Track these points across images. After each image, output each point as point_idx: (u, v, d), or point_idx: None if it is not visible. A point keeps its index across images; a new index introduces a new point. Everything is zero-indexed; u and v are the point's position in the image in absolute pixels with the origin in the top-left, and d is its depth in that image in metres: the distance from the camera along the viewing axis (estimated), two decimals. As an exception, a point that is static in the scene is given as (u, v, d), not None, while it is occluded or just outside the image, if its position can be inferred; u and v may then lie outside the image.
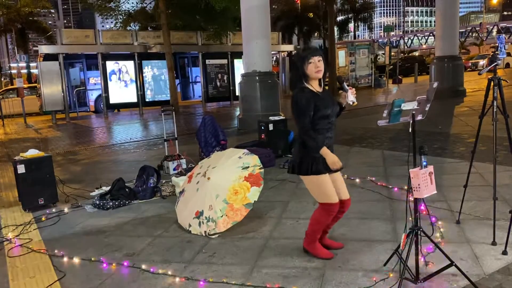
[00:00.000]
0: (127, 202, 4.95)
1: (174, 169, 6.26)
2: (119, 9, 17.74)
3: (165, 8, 16.23)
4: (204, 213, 3.85)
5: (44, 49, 16.87)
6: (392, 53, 26.21)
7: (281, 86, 17.73)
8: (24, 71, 37.81)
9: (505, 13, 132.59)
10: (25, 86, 20.29)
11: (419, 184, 2.61)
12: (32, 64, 35.21)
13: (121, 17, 17.99)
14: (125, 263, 3.33)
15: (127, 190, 5.09)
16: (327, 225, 3.18)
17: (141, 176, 5.37)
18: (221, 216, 3.75)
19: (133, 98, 18.08)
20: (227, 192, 3.84)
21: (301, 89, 2.93)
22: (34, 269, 3.37)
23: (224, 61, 20.38)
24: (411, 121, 2.73)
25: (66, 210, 4.87)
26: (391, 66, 24.97)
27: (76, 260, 3.47)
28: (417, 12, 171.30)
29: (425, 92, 2.78)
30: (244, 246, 3.52)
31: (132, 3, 19.34)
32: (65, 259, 3.51)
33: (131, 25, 19.66)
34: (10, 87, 23.24)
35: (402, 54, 41.87)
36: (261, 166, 4.04)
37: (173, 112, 7.03)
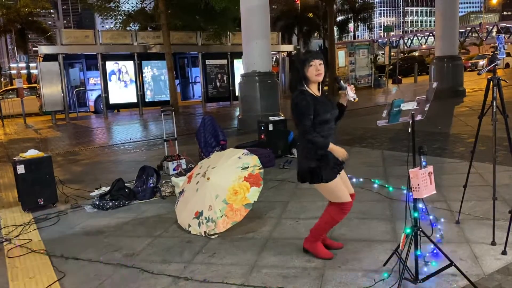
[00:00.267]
0: (126, 202, 4.95)
1: (173, 170, 6.26)
2: (119, 9, 17.74)
3: (165, 8, 16.23)
4: (203, 213, 3.85)
5: (44, 49, 16.87)
6: (392, 53, 26.23)
7: (281, 86, 17.72)
8: (24, 71, 37.83)
9: (504, 13, 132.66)
10: (25, 86, 20.28)
11: (418, 184, 2.61)
12: (32, 65, 35.22)
13: (121, 17, 17.99)
14: (125, 263, 3.33)
15: (126, 190, 5.09)
16: None
17: (140, 177, 5.37)
18: (221, 216, 3.75)
19: (133, 99, 18.08)
20: (227, 192, 3.84)
21: (301, 91, 2.92)
22: (34, 270, 3.37)
23: (224, 61, 20.38)
24: (410, 121, 2.73)
25: (65, 210, 4.87)
26: (391, 66, 24.97)
27: (75, 260, 3.47)
28: (416, 12, 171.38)
29: (425, 92, 2.78)
30: (244, 246, 3.52)
31: (132, 3, 19.33)
32: (65, 259, 3.51)
33: (131, 25, 19.66)
34: (10, 87, 23.24)
35: (401, 54, 41.88)
36: (261, 166, 4.04)
37: (173, 113, 7.03)
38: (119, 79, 17.97)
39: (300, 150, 3.06)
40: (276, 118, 7.27)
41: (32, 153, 5.07)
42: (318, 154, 2.92)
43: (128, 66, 18.03)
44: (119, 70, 17.94)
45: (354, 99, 2.95)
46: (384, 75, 24.09)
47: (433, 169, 2.68)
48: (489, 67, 3.14)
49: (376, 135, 8.22)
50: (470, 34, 62.34)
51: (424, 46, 68.30)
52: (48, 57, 16.29)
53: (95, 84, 18.53)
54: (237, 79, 15.63)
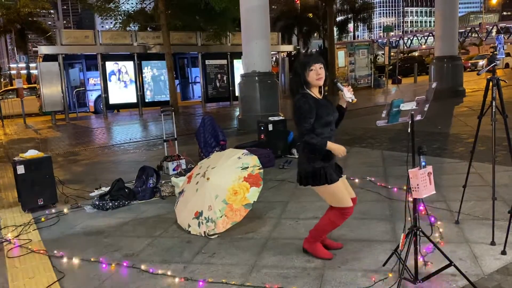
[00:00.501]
0: (126, 202, 4.95)
1: (173, 170, 6.26)
2: (119, 9, 17.74)
3: (165, 9, 16.23)
4: (203, 213, 3.85)
5: (44, 49, 16.88)
6: (392, 53, 26.25)
7: (281, 86, 17.73)
8: (23, 71, 37.83)
9: (504, 13, 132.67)
10: (25, 86, 20.30)
11: (418, 184, 2.61)
12: (31, 65, 35.20)
13: (121, 17, 17.99)
14: (125, 263, 3.33)
15: (126, 190, 5.09)
16: None
17: (140, 177, 5.37)
18: (221, 217, 3.76)
19: (133, 99, 18.09)
20: (227, 193, 3.85)
21: (303, 95, 2.92)
22: (34, 270, 3.37)
23: (224, 62, 20.39)
24: (410, 122, 2.74)
25: (65, 210, 4.87)
26: (391, 66, 24.98)
27: (75, 260, 3.47)
28: (416, 12, 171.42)
29: (424, 93, 2.78)
30: (244, 247, 3.52)
31: (132, 3, 19.33)
32: (65, 259, 3.51)
33: (131, 25, 19.66)
34: (9, 87, 23.23)
35: (401, 54, 41.88)
36: (261, 166, 4.04)
37: (173, 113, 7.03)
38: (119, 79, 17.98)
39: (301, 152, 3.06)
40: (276, 118, 7.27)
41: (32, 153, 5.07)
42: (320, 155, 2.92)
43: (128, 66, 18.03)
44: (119, 70, 17.95)
45: (352, 100, 2.95)
46: (383, 75, 24.11)
47: (432, 169, 2.69)
48: (488, 67, 3.15)
49: (376, 135, 8.23)
50: (469, 34, 62.35)
51: (423, 46, 68.29)
52: (48, 57, 16.29)
53: (95, 84, 18.55)
54: (237, 79, 15.63)
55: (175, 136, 6.96)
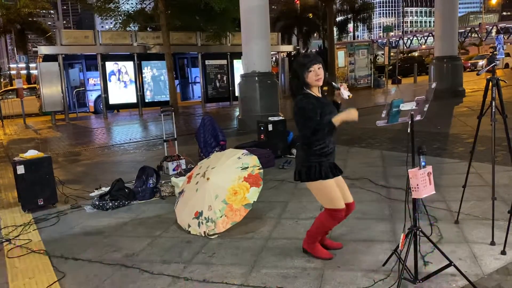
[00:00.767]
0: (126, 202, 4.96)
1: (173, 170, 6.26)
2: (119, 9, 17.73)
3: (165, 9, 16.22)
4: (203, 213, 3.85)
5: (44, 49, 16.87)
6: (391, 54, 26.24)
7: (281, 86, 17.74)
8: (23, 72, 37.80)
9: (504, 13, 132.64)
10: (25, 87, 20.28)
11: (417, 184, 2.62)
12: (31, 65, 35.18)
13: (121, 17, 17.98)
14: (125, 263, 3.33)
15: (126, 190, 5.09)
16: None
17: (140, 177, 5.37)
18: (221, 217, 3.76)
19: (133, 99, 18.09)
20: (227, 193, 3.85)
21: (305, 95, 2.92)
22: (34, 270, 3.38)
23: (224, 62, 20.39)
24: (409, 122, 2.74)
25: (65, 210, 4.87)
26: (391, 67, 24.99)
27: (75, 260, 3.47)
28: (416, 12, 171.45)
29: (424, 93, 2.79)
30: (244, 247, 3.52)
31: (132, 3, 19.32)
32: (65, 259, 3.51)
33: (131, 25, 19.65)
34: (9, 88, 23.22)
35: (401, 55, 41.89)
36: (261, 166, 4.05)
37: (173, 113, 7.03)
38: (118, 79, 17.98)
39: (299, 148, 3.05)
40: (275, 118, 7.28)
41: (32, 153, 5.07)
42: (319, 151, 2.92)
43: (128, 66, 18.03)
44: (119, 71, 17.95)
45: (349, 96, 2.96)
46: (383, 76, 24.11)
47: (432, 169, 2.69)
48: (488, 67, 3.15)
49: (376, 135, 8.23)
50: (469, 34, 62.36)
51: (423, 47, 68.30)
52: (47, 58, 16.29)
53: (94, 85, 18.54)
54: (237, 80, 15.63)
55: (175, 136, 6.96)
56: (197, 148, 6.97)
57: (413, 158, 2.72)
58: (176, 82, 19.07)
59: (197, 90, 21.53)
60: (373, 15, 57.62)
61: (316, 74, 2.91)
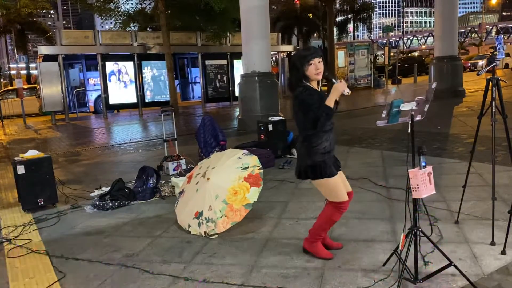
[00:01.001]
0: (126, 202, 4.96)
1: (173, 170, 6.26)
2: (119, 10, 17.74)
3: (165, 9, 16.23)
4: (203, 213, 3.85)
5: (44, 50, 16.87)
6: (391, 54, 26.25)
7: (281, 86, 17.74)
8: (23, 72, 37.85)
9: (504, 13, 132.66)
10: (25, 87, 20.28)
11: (418, 184, 2.62)
12: (31, 65, 35.22)
13: (121, 17, 17.99)
14: (125, 263, 3.33)
15: (126, 190, 5.09)
16: None
17: (140, 177, 5.37)
18: (221, 217, 3.76)
19: (133, 99, 18.09)
20: (227, 193, 3.85)
21: (305, 88, 2.90)
22: (34, 270, 3.38)
23: (224, 62, 20.39)
24: (410, 122, 2.74)
25: (65, 210, 4.87)
26: (391, 67, 24.99)
27: (75, 260, 3.47)
28: (416, 12, 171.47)
29: (424, 93, 2.79)
30: (244, 247, 3.52)
31: (132, 3, 19.34)
32: (65, 259, 3.51)
33: (131, 25, 19.66)
34: (9, 88, 23.22)
35: (401, 55, 41.90)
36: (261, 166, 4.05)
37: (173, 113, 7.03)
38: (118, 79, 17.97)
39: (300, 146, 3.03)
40: (275, 118, 7.28)
41: (32, 153, 5.07)
42: (322, 150, 2.92)
43: (128, 66, 18.03)
44: (119, 71, 17.95)
45: (348, 92, 2.94)
46: (383, 76, 24.12)
47: (432, 169, 2.69)
48: (488, 68, 3.15)
49: (376, 135, 8.23)
50: (469, 34, 62.36)
51: (423, 47, 68.31)
52: (47, 58, 16.28)
53: (94, 85, 18.54)
54: (237, 80, 15.63)
55: (175, 136, 6.97)
56: (197, 148, 6.98)
57: (413, 158, 2.72)
58: (176, 82, 19.07)
59: (197, 90, 21.53)
60: (373, 15, 57.62)
61: (316, 68, 2.90)
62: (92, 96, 18.86)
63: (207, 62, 19.88)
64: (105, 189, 5.35)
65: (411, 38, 76.73)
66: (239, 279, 2.96)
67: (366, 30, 56.45)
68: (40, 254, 3.67)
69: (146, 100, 18.71)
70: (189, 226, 3.93)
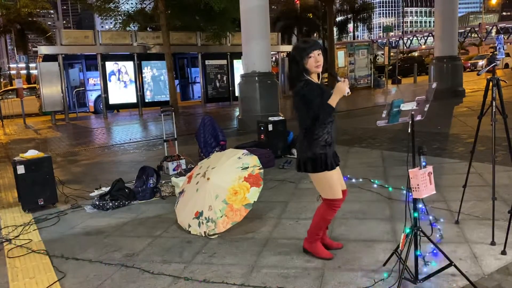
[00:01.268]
0: (126, 202, 4.96)
1: (173, 170, 6.26)
2: (119, 9, 17.75)
3: (165, 9, 16.23)
4: (203, 213, 3.85)
5: (44, 49, 16.87)
6: (391, 54, 26.25)
7: (281, 86, 17.74)
8: (23, 71, 37.85)
9: (504, 13, 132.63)
10: (25, 86, 20.29)
11: (418, 184, 2.62)
12: (31, 65, 35.20)
13: (121, 17, 18.00)
14: (125, 263, 3.33)
15: (126, 190, 5.09)
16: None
17: (140, 177, 5.37)
18: (221, 217, 3.76)
19: (133, 99, 18.09)
20: (227, 193, 3.85)
21: (306, 82, 2.88)
22: (34, 270, 3.38)
23: (224, 62, 20.39)
24: (410, 122, 2.74)
25: (65, 210, 4.87)
26: (390, 67, 25.00)
27: (76, 260, 3.47)
28: (416, 12, 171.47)
29: (424, 93, 2.79)
30: (244, 247, 3.52)
31: (132, 3, 19.34)
32: (65, 259, 3.51)
33: (131, 25, 19.67)
34: (9, 87, 23.22)
35: (401, 55, 41.90)
36: (261, 166, 4.05)
37: (173, 113, 7.03)
38: (118, 79, 17.98)
39: (302, 140, 3.00)
40: (275, 118, 7.28)
41: (32, 153, 5.07)
42: (323, 142, 2.92)
43: (128, 66, 18.04)
44: (119, 71, 17.95)
45: (348, 93, 2.94)
46: (383, 76, 24.12)
47: (432, 169, 2.69)
48: (488, 67, 3.15)
49: (376, 135, 8.23)
50: (469, 34, 62.37)
51: (423, 47, 68.31)
52: (47, 58, 16.29)
53: (94, 85, 18.54)
54: (237, 80, 15.63)
55: (175, 136, 6.97)
56: (197, 148, 6.97)
57: (413, 158, 2.72)
58: (176, 82, 19.07)
59: (197, 90, 21.54)
60: (373, 15, 57.65)
61: (316, 60, 2.88)
62: (92, 96, 18.86)
63: (207, 62, 19.89)
64: (105, 189, 5.35)
65: (411, 38, 76.73)
66: (239, 279, 2.96)
67: (366, 30, 56.49)
68: (40, 254, 3.67)
69: (146, 100, 18.72)
70: (189, 226, 3.93)
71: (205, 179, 4.07)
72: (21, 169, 4.81)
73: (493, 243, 3.16)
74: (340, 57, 23.47)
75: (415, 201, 2.71)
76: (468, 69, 29.96)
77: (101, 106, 17.79)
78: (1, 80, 41.31)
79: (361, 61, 23.40)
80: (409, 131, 2.73)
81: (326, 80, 21.27)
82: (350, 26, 44.02)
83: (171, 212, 4.43)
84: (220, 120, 11.69)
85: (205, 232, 3.77)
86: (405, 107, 2.70)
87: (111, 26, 18.66)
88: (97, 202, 4.90)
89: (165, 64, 16.81)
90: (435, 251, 2.94)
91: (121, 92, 17.93)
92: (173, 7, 17.44)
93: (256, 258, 3.28)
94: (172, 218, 4.30)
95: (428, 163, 2.67)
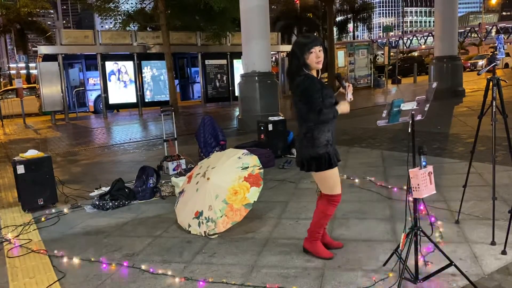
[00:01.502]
0: (126, 202, 4.95)
1: (173, 170, 6.26)
2: (118, 9, 17.74)
3: (164, 9, 16.23)
4: (203, 213, 3.85)
5: (43, 49, 16.86)
6: (391, 53, 26.25)
7: (281, 86, 17.74)
8: (23, 71, 37.82)
9: (504, 13, 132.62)
10: (24, 86, 20.29)
11: (418, 184, 2.61)
12: (31, 65, 35.18)
13: (120, 17, 18.00)
14: (125, 263, 3.33)
15: (126, 190, 5.09)
16: None
17: (140, 177, 5.37)
18: (221, 216, 3.76)
19: (133, 99, 18.08)
20: (227, 193, 3.85)
21: (306, 76, 2.87)
22: (34, 270, 3.37)
23: (224, 62, 20.39)
24: (410, 121, 2.74)
25: (65, 210, 4.87)
26: (390, 67, 25.00)
27: (75, 260, 3.47)
28: (416, 12, 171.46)
29: (424, 92, 2.79)
30: (244, 246, 3.52)
31: (131, 3, 19.32)
32: (65, 259, 3.51)
33: (130, 25, 19.66)
34: (9, 87, 23.22)
35: (401, 54, 41.89)
36: (261, 166, 4.04)
37: (173, 113, 7.03)
38: (118, 79, 17.97)
39: (303, 138, 2.98)
40: (275, 118, 7.27)
41: (32, 153, 5.07)
42: (324, 141, 2.92)
43: (128, 66, 18.03)
44: (119, 70, 17.94)
45: (351, 99, 2.94)
46: (383, 75, 24.12)
47: (433, 169, 2.69)
48: (488, 67, 3.15)
49: (376, 135, 8.23)
50: (469, 34, 62.40)
51: (423, 46, 68.33)
52: (47, 57, 16.29)
53: (94, 84, 18.54)
54: (237, 79, 15.63)
55: (175, 136, 6.96)
56: (197, 148, 6.97)
57: (413, 158, 2.72)
58: (176, 82, 19.06)
59: (197, 90, 21.53)
60: (373, 15, 57.65)
61: (316, 56, 2.87)
62: (92, 96, 18.86)
63: (207, 62, 19.89)
64: (105, 189, 5.35)
65: (411, 38, 76.75)
66: (239, 279, 2.96)
67: (366, 30, 56.49)
68: (40, 254, 3.67)
69: (146, 100, 18.71)
70: (189, 226, 3.92)
71: (205, 179, 4.07)
72: (21, 169, 4.81)
73: (493, 243, 3.16)
74: (340, 57, 23.47)
75: (415, 201, 2.71)
76: (468, 69, 29.96)
77: (101, 106, 17.78)
78: (1, 80, 41.31)
79: (361, 61, 23.40)
80: (409, 131, 2.73)
81: (326, 80, 21.34)
82: (350, 26, 44.02)
83: (171, 212, 4.43)
84: (220, 120, 11.68)
85: (205, 232, 3.77)
86: (405, 106, 2.69)
87: (111, 26, 18.66)
88: (97, 202, 4.90)
89: (165, 64, 16.80)
90: (435, 251, 2.94)
91: (121, 92, 17.92)
92: (173, 7, 17.43)
93: (256, 258, 3.28)
94: (172, 218, 4.30)
95: (428, 163, 2.67)
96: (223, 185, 3.91)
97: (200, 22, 18.33)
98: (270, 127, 6.93)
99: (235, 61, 20.18)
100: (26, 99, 17.62)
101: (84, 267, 3.35)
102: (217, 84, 20.39)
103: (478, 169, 5.04)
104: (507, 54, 29.45)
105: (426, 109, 2.81)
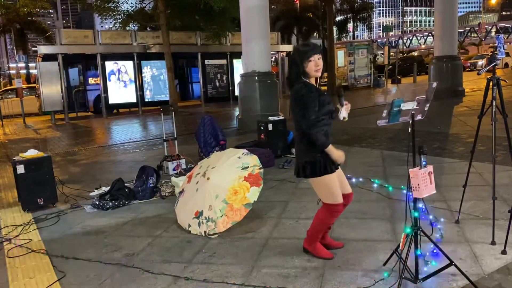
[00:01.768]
0: (126, 202, 4.95)
1: (173, 169, 6.26)
2: (118, 9, 17.74)
3: (164, 8, 16.23)
4: (203, 213, 3.85)
5: (43, 49, 16.86)
6: (391, 53, 26.25)
7: (280, 86, 17.74)
8: (23, 71, 37.85)
9: (503, 13, 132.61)
10: (24, 86, 20.28)
11: (418, 184, 2.61)
12: (31, 65, 35.20)
13: (120, 17, 18.00)
14: (125, 263, 3.33)
15: (126, 190, 5.09)
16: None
17: (140, 176, 5.37)
18: (221, 216, 3.76)
19: (132, 99, 18.09)
20: (227, 192, 3.85)
21: (304, 84, 2.89)
22: (34, 270, 3.37)
23: (223, 62, 20.39)
24: (410, 121, 2.74)
25: (65, 210, 4.87)
26: (390, 66, 25.00)
27: (75, 260, 3.47)
28: (416, 12, 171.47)
29: (424, 92, 2.79)
30: (244, 246, 3.52)
31: (131, 3, 19.33)
32: (65, 259, 3.51)
33: (130, 25, 19.67)
34: (9, 87, 23.21)
35: (401, 54, 41.89)
36: (261, 166, 4.04)
37: (173, 113, 7.03)
38: (118, 79, 17.97)
39: (299, 142, 3.00)
40: (275, 118, 7.27)
41: (31, 153, 5.07)
42: (317, 149, 2.91)
43: (128, 66, 18.03)
44: (119, 70, 17.94)
45: (344, 118, 2.94)
46: (383, 75, 24.12)
47: (433, 168, 2.69)
48: (488, 67, 3.15)
49: (376, 135, 8.23)
50: (469, 34, 62.39)
51: (423, 46, 68.33)
52: (47, 57, 16.29)
53: (94, 84, 18.53)
54: (237, 79, 15.63)
55: (175, 136, 6.96)
56: (197, 148, 6.97)
57: (414, 158, 2.72)
58: (176, 81, 19.06)
59: (196, 90, 21.52)
60: (373, 14, 57.64)
61: (316, 64, 2.88)
62: (91, 96, 18.85)
63: (206, 61, 19.89)
64: (105, 189, 5.35)
65: (410, 38, 76.74)
66: (239, 279, 2.96)
67: (366, 30, 56.45)
68: (40, 254, 3.67)
69: (146, 100, 18.71)
70: (189, 225, 3.92)
71: (205, 178, 4.07)
72: (20, 169, 4.80)
73: (493, 242, 3.16)
74: (340, 56, 23.47)
75: (416, 200, 2.71)
76: (467, 69, 29.95)
77: (100, 106, 17.78)
78: (1, 79, 41.30)
79: (361, 60, 23.40)
80: (409, 130, 2.73)
81: (326, 80, 21.32)
82: (350, 25, 43.96)
83: (171, 211, 4.43)
84: (220, 120, 11.68)
85: (205, 232, 3.77)
86: (405, 106, 2.69)
87: (111, 26, 18.66)
88: (97, 202, 4.90)
89: (165, 64, 16.81)
90: (435, 251, 2.94)
91: (121, 91, 17.92)
92: (172, 6, 17.44)
93: (256, 258, 3.28)
94: (172, 218, 4.30)
95: (428, 163, 2.67)
96: (223, 185, 3.91)
97: (200, 22, 18.35)
98: (270, 127, 6.93)
99: (235, 61, 20.18)
100: (26, 99, 17.61)
101: (84, 267, 3.35)
102: (217, 84, 20.39)
103: (478, 169, 5.05)
104: (507, 54, 29.44)
105: (426, 109, 2.81)
